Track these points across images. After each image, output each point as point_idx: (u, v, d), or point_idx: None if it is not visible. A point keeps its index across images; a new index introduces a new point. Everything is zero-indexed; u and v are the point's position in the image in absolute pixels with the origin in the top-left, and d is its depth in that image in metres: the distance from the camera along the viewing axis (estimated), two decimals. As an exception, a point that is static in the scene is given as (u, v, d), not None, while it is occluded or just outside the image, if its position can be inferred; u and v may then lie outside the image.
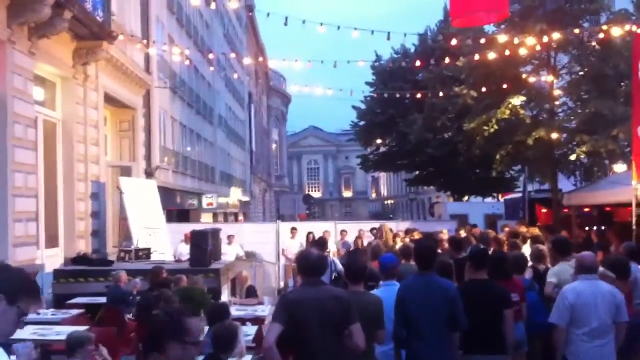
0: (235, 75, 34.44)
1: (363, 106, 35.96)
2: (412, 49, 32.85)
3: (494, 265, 5.98)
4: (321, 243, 9.96)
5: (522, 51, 14.98)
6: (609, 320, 5.37)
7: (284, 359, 4.40)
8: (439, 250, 9.43)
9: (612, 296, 5.43)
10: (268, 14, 13.24)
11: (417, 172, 35.75)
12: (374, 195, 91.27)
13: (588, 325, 5.36)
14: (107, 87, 15.61)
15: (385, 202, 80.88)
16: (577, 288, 5.51)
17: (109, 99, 16.12)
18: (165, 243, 14.99)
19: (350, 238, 15.65)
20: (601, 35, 14.74)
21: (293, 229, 16.63)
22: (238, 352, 5.84)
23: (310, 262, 4.49)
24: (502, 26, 17.57)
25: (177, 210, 23.66)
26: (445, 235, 12.97)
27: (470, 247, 7.58)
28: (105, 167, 15.78)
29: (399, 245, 12.48)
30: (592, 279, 5.55)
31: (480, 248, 6.30)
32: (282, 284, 16.65)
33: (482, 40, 16.15)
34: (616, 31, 13.72)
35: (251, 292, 9.77)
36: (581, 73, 17.73)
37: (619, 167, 17.83)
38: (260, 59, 39.67)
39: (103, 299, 9.53)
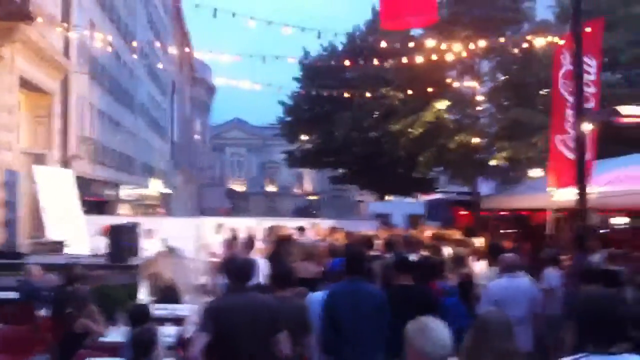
0: (159, 65, 33.57)
1: (290, 102, 35.79)
2: (340, 47, 32.91)
3: (420, 271, 6.06)
4: (249, 245, 9.62)
5: (449, 57, 15.24)
6: (528, 311, 6.30)
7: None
8: (373, 253, 9.44)
9: (530, 291, 6.50)
10: (197, 5, 12.91)
11: (341, 171, 35.87)
12: (298, 190, 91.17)
13: (511, 315, 5.84)
14: (23, 70, 14.94)
15: (310, 198, 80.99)
16: (502, 284, 6.46)
17: (25, 83, 15.44)
18: (82, 235, 14.42)
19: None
20: (524, 45, 15.18)
21: (219, 225, 16.31)
22: (156, 355, 5.67)
23: (238, 268, 4.40)
24: (430, 31, 17.80)
25: (94, 201, 22.86)
26: (379, 238, 12.99)
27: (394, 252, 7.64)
28: (19, 155, 15.08)
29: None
30: (514, 276, 6.52)
31: (402, 256, 6.40)
32: (203, 280, 16.26)
33: (411, 44, 16.29)
34: (539, 41, 14.16)
35: (172, 291, 9.49)
36: (503, 79, 18.22)
37: (535, 173, 18.41)
38: (187, 49, 38.77)
39: (14, 295, 9.05)
